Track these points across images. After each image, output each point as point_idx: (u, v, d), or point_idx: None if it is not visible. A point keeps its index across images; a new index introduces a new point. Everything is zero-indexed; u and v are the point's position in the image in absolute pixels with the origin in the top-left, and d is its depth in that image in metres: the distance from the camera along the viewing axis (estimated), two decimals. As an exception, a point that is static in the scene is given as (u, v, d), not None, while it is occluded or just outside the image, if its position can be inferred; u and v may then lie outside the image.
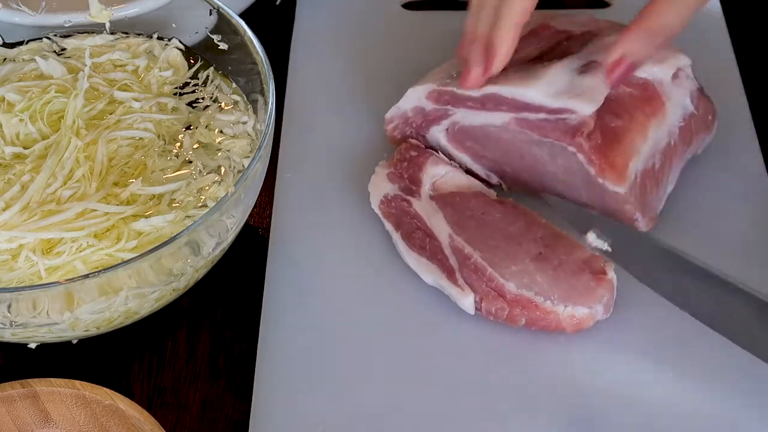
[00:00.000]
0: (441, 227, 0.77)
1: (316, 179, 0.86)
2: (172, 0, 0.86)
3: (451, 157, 0.84)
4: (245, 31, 0.80)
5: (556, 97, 0.77)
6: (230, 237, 0.75)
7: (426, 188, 0.79)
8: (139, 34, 0.87)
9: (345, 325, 0.76)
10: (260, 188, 0.77)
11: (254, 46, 0.79)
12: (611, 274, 0.73)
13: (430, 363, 0.73)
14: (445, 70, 0.84)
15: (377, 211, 0.80)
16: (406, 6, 1.00)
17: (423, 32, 0.96)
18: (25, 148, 0.79)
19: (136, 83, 0.84)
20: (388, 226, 0.79)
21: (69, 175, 0.76)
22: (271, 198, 0.84)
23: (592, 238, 0.65)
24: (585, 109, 0.77)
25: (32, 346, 0.75)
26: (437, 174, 0.80)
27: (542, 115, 0.78)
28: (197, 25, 0.85)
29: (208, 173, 0.78)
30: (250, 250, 0.81)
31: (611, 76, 0.75)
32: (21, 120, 0.80)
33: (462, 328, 0.75)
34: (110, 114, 0.81)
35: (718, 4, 0.96)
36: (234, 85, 0.84)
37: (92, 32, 0.87)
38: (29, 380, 0.70)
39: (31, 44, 0.87)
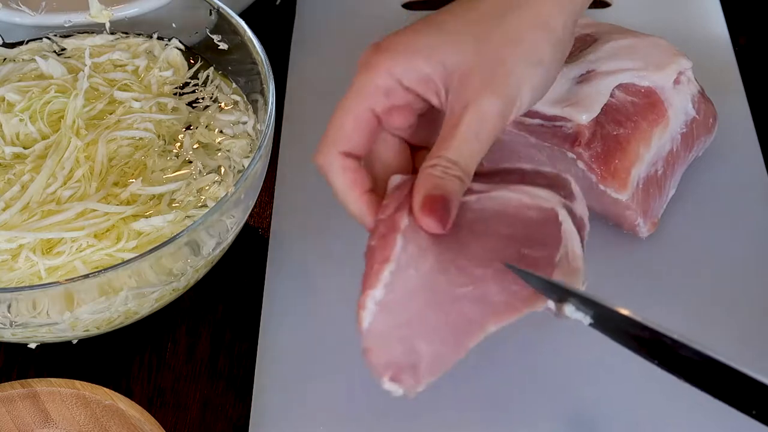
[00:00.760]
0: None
1: (316, 179, 0.86)
2: (172, 0, 0.86)
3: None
4: (245, 31, 0.80)
5: (552, 104, 0.78)
6: (230, 237, 0.75)
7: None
8: (139, 34, 0.87)
9: (345, 325, 0.76)
10: (260, 188, 0.77)
11: (254, 46, 0.79)
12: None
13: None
14: None
15: None
16: (406, 6, 1.00)
17: (423, 32, 0.96)
18: (25, 148, 0.79)
19: (136, 83, 0.84)
20: None
21: (69, 175, 0.76)
22: (271, 198, 0.84)
23: (569, 311, 0.61)
24: (580, 118, 0.77)
25: (32, 346, 0.75)
26: None
27: (538, 121, 0.78)
28: (197, 25, 0.85)
29: (208, 173, 0.78)
30: (250, 250, 0.81)
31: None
32: (21, 120, 0.80)
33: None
34: (110, 114, 0.81)
35: (718, 5, 0.96)
36: (234, 85, 0.84)
37: (92, 32, 0.87)
38: (29, 380, 0.70)
39: (31, 44, 0.87)
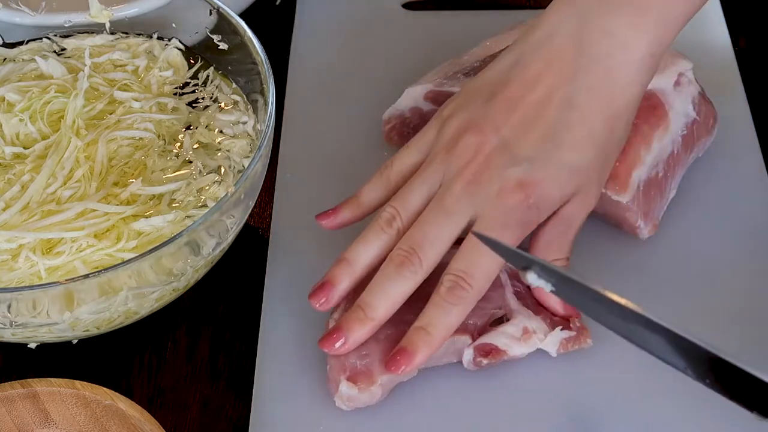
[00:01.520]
0: None
1: (316, 179, 0.86)
2: (172, 0, 0.86)
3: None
4: (245, 31, 0.80)
5: None
6: (230, 237, 0.75)
7: None
8: (139, 34, 0.87)
9: (345, 325, 0.76)
10: (260, 188, 0.77)
11: (254, 46, 0.79)
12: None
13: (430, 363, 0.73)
14: (443, 71, 0.84)
15: None
16: (406, 6, 1.00)
17: (423, 32, 0.96)
18: (25, 148, 0.79)
19: (136, 83, 0.84)
20: None
21: (69, 175, 0.76)
22: (271, 198, 0.84)
23: (532, 278, 0.65)
24: None
25: (32, 346, 0.75)
26: None
27: None
28: (197, 25, 0.85)
29: (208, 173, 0.78)
30: (250, 250, 0.81)
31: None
32: (21, 120, 0.80)
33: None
34: (110, 114, 0.81)
35: (718, 5, 0.96)
36: (234, 85, 0.84)
37: (92, 32, 0.87)
38: (29, 380, 0.70)
39: (31, 44, 0.87)
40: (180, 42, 0.86)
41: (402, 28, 0.97)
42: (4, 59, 0.87)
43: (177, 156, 0.79)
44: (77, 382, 0.70)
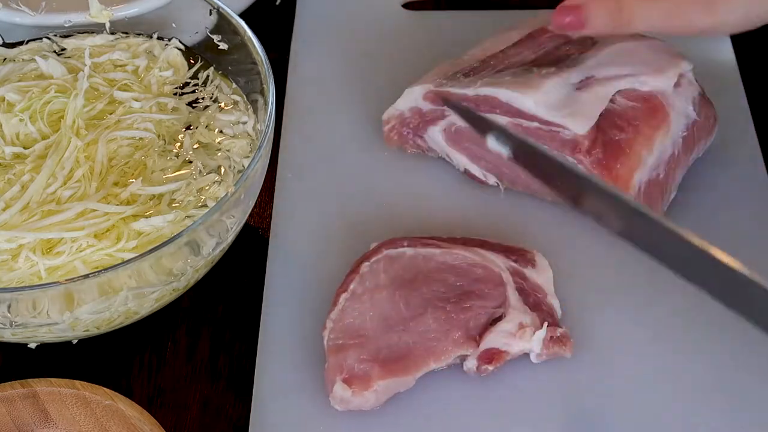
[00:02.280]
0: None
1: (316, 179, 0.86)
2: (172, 0, 0.86)
3: (449, 157, 0.84)
4: (245, 31, 0.80)
5: (549, 110, 0.78)
6: (230, 237, 0.75)
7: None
8: (139, 34, 0.87)
9: (345, 325, 0.76)
10: (260, 188, 0.77)
11: (254, 46, 0.79)
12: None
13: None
14: (443, 71, 0.84)
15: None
16: (406, 6, 1.00)
17: (423, 32, 0.96)
18: (25, 148, 0.79)
19: (136, 83, 0.84)
20: None
21: (69, 175, 0.76)
22: (271, 198, 0.84)
23: (491, 142, 0.67)
24: (578, 128, 0.77)
25: (32, 346, 0.75)
26: None
27: (535, 124, 0.78)
28: (197, 25, 0.85)
29: (208, 173, 0.78)
30: (250, 250, 0.81)
31: (556, 19, 0.73)
32: (21, 120, 0.80)
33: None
34: (110, 114, 0.81)
35: None
36: (234, 85, 0.84)
37: (92, 32, 0.87)
38: (29, 380, 0.70)
39: (31, 44, 0.87)
40: (180, 42, 0.86)
41: (402, 28, 0.97)
42: (4, 59, 0.87)
43: (177, 156, 0.79)
44: (77, 382, 0.70)
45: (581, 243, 0.80)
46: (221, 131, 0.81)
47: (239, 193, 0.72)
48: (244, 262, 0.81)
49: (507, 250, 0.77)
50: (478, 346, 0.71)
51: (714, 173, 0.83)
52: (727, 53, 0.92)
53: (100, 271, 0.67)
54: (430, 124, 0.83)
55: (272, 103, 0.76)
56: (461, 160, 0.83)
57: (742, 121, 0.87)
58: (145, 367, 0.76)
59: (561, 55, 0.82)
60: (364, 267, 0.75)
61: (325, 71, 0.93)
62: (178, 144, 0.80)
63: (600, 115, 0.78)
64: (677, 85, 0.80)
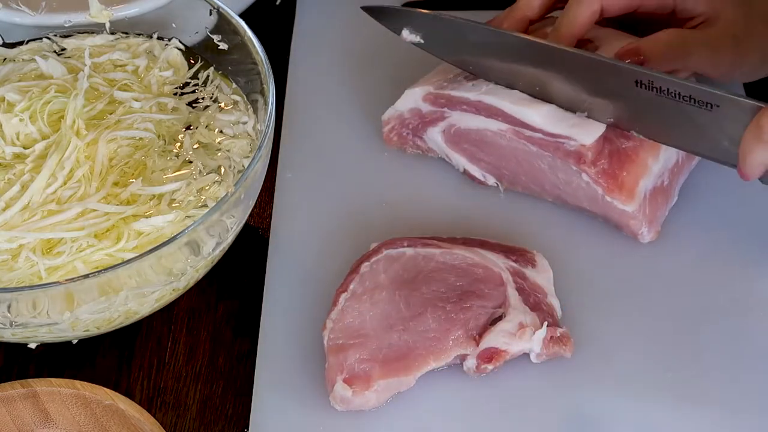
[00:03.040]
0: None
1: (316, 179, 0.86)
2: (172, 0, 0.86)
3: (448, 158, 0.84)
4: (245, 31, 0.80)
5: (556, 123, 0.77)
6: (230, 237, 0.75)
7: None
8: (139, 34, 0.87)
9: (345, 325, 0.76)
10: (260, 188, 0.77)
11: (254, 46, 0.79)
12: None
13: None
14: (443, 72, 0.84)
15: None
16: (406, 6, 1.00)
17: (423, 32, 0.96)
18: (25, 148, 0.79)
19: (136, 83, 0.84)
20: None
21: (69, 175, 0.76)
22: (271, 198, 0.84)
23: (406, 34, 0.73)
24: (585, 138, 0.77)
25: (32, 346, 0.75)
26: None
27: (539, 135, 0.78)
28: (197, 25, 0.85)
29: (208, 173, 0.78)
30: (250, 250, 0.81)
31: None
32: (21, 120, 0.80)
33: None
34: (110, 114, 0.81)
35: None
36: (234, 85, 0.84)
37: (92, 32, 0.87)
38: (29, 380, 0.70)
39: (31, 44, 0.87)
40: (180, 42, 0.86)
41: (402, 28, 0.97)
42: (4, 59, 0.87)
43: (177, 156, 0.79)
44: (77, 382, 0.70)
45: (581, 243, 0.80)
46: (221, 131, 0.81)
47: (239, 193, 0.72)
48: (244, 262, 0.81)
49: (507, 250, 0.77)
50: (478, 345, 0.71)
51: (714, 177, 0.83)
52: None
53: (100, 271, 0.67)
54: (430, 126, 0.83)
55: (272, 103, 0.76)
56: (460, 161, 0.83)
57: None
58: (145, 367, 0.76)
59: None
60: (364, 267, 0.75)
61: (325, 71, 0.93)
62: (178, 144, 0.80)
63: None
64: None
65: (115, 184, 0.76)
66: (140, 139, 0.79)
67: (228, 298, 0.80)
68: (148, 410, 0.70)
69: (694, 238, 0.80)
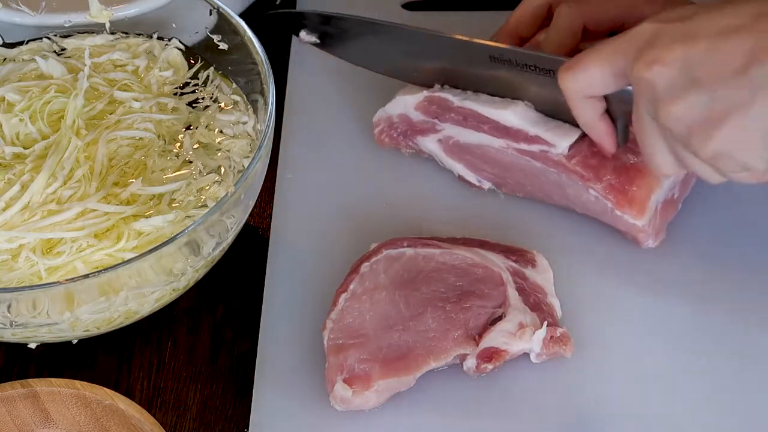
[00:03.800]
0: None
1: (316, 179, 0.86)
2: (172, 0, 0.86)
3: (442, 163, 0.84)
4: (245, 31, 0.80)
5: (534, 124, 0.78)
6: (230, 237, 0.75)
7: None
8: (139, 34, 0.87)
9: (345, 325, 0.76)
10: (260, 188, 0.77)
11: (254, 46, 0.79)
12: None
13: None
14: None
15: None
16: (406, 6, 1.00)
17: (423, 32, 0.96)
18: (25, 148, 0.79)
19: (136, 83, 0.84)
20: None
21: (69, 175, 0.76)
22: (271, 198, 0.84)
23: (303, 35, 0.80)
24: (560, 144, 0.77)
25: (32, 346, 0.75)
26: None
27: (523, 145, 0.78)
28: (197, 25, 0.85)
29: (208, 173, 0.78)
30: (250, 250, 0.81)
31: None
32: (21, 120, 0.80)
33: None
34: (110, 114, 0.81)
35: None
36: (234, 85, 0.84)
37: (92, 32, 0.87)
38: (29, 380, 0.70)
39: (31, 44, 0.87)
40: (180, 42, 0.86)
41: (402, 28, 0.97)
42: (4, 59, 0.87)
43: (177, 156, 0.79)
44: (77, 382, 0.70)
45: (581, 243, 0.80)
46: (221, 131, 0.81)
47: (239, 193, 0.72)
48: (244, 262, 0.81)
49: (507, 250, 0.77)
50: (478, 345, 0.71)
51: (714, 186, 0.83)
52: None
53: (100, 271, 0.67)
54: (420, 134, 0.83)
55: (272, 103, 0.76)
56: (456, 167, 0.83)
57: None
58: (145, 367, 0.76)
59: None
60: (364, 267, 0.75)
61: (325, 71, 0.93)
62: (178, 144, 0.80)
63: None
64: None
65: (115, 184, 0.76)
66: (140, 139, 0.79)
67: (228, 298, 0.80)
68: (148, 410, 0.70)
69: (695, 239, 0.80)
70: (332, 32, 0.85)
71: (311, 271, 0.79)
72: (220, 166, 0.78)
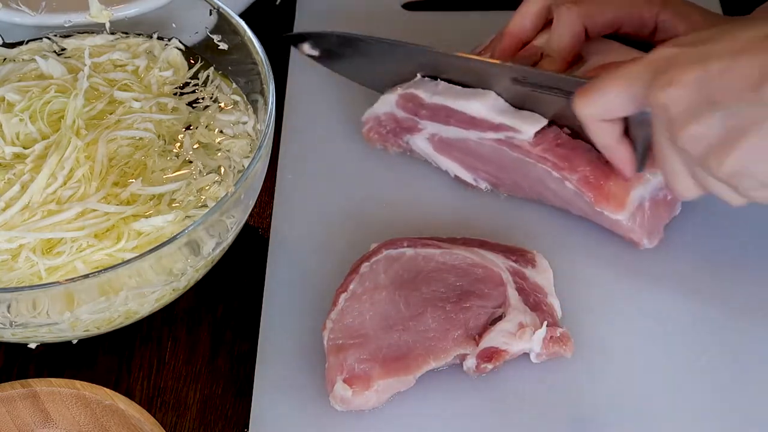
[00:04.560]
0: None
1: (316, 179, 0.86)
2: (172, 0, 0.86)
3: (436, 163, 0.84)
4: (245, 31, 0.80)
5: (500, 113, 0.78)
6: (230, 237, 0.75)
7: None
8: (139, 34, 0.87)
9: (345, 325, 0.76)
10: (260, 188, 0.77)
11: (254, 46, 0.79)
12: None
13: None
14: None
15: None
16: (406, 6, 1.00)
17: (423, 32, 0.96)
18: (25, 148, 0.79)
19: (136, 83, 0.84)
20: None
21: (69, 175, 0.76)
22: (271, 198, 0.85)
23: (305, 48, 0.82)
24: (526, 130, 0.77)
25: (32, 346, 0.75)
26: None
27: (490, 134, 0.78)
28: (197, 25, 0.85)
29: (208, 173, 0.78)
30: (250, 250, 0.81)
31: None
32: (21, 120, 0.80)
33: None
34: (110, 114, 0.81)
35: (718, 5, 0.96)
36: (234, 85, 0.84)
37: (92, 32, 0.87)
38: (29, 380, 0.70)
39: (31, 44, 0.88)
40: (180, 42, 0.86)
41: (402, 28, 0.97)
42: (4, 59, 0.87)
43: (177, 156, 0.79)
44: (77, 382, 0.70)
45: (581, 243, 0.80)
46: (221, 131, 0.81)
47: (239, 193, 0.72)
48: (244, 262, 0.81)
49: (507, 250, 0.77)
50: (478, 345, 0.71)
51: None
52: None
53: (100, 271, 0.67)
54: (407, 132, 0.83)
55: (272, 103, 0.76)
56: (450, 167, 0.83)
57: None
58: (145, 367, 0.76)
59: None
60: (364, 267, 0.75)
61: (325, 71, 0.93)
62: (178, 144, 0.80)
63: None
64: None
65: (115, 184, 0.76)
66: (140, 139, 0.79)
67: (228, 298, 0.80)
68: (148, 410, 0.70)
69: (695, 239, 0.80)
70: (337, 51, 0.86)
71: (311, 271, 0.79)
72: (220, 166, 0.78)
